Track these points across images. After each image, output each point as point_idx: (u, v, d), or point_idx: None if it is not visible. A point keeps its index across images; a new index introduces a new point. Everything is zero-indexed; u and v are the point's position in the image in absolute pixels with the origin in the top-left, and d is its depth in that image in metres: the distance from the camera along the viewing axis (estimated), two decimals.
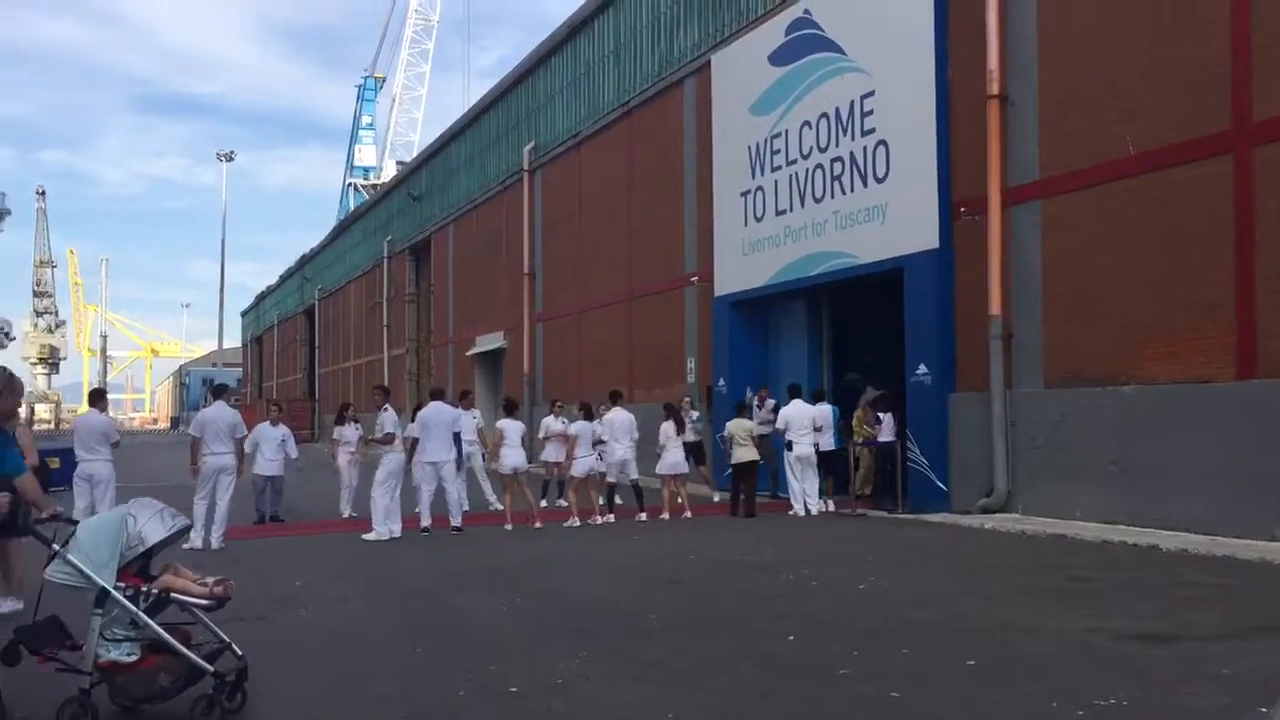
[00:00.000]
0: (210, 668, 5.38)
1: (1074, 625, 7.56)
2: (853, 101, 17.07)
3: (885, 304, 16.99)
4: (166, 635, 5.41)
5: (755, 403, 17.90)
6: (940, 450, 15.27)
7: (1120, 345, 12.92)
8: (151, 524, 5.54)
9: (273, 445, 16.13)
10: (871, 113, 16.71)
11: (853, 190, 17.10)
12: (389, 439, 14.33)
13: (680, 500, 15.88)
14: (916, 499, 15.46)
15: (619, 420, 15.75)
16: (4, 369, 6.29)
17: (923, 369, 15.58)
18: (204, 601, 5.61)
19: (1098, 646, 6.96)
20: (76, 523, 5.72)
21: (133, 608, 5.37)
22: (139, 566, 5.65)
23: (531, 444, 16.93)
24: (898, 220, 16.10)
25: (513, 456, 14.98)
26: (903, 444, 15.83)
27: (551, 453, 16.58)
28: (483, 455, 17.64)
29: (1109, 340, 13.06)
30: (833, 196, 17.58)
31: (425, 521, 14.41)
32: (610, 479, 15.84)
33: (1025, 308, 14.26)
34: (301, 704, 5.98)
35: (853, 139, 17.09)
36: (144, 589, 5.46)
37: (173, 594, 5.51)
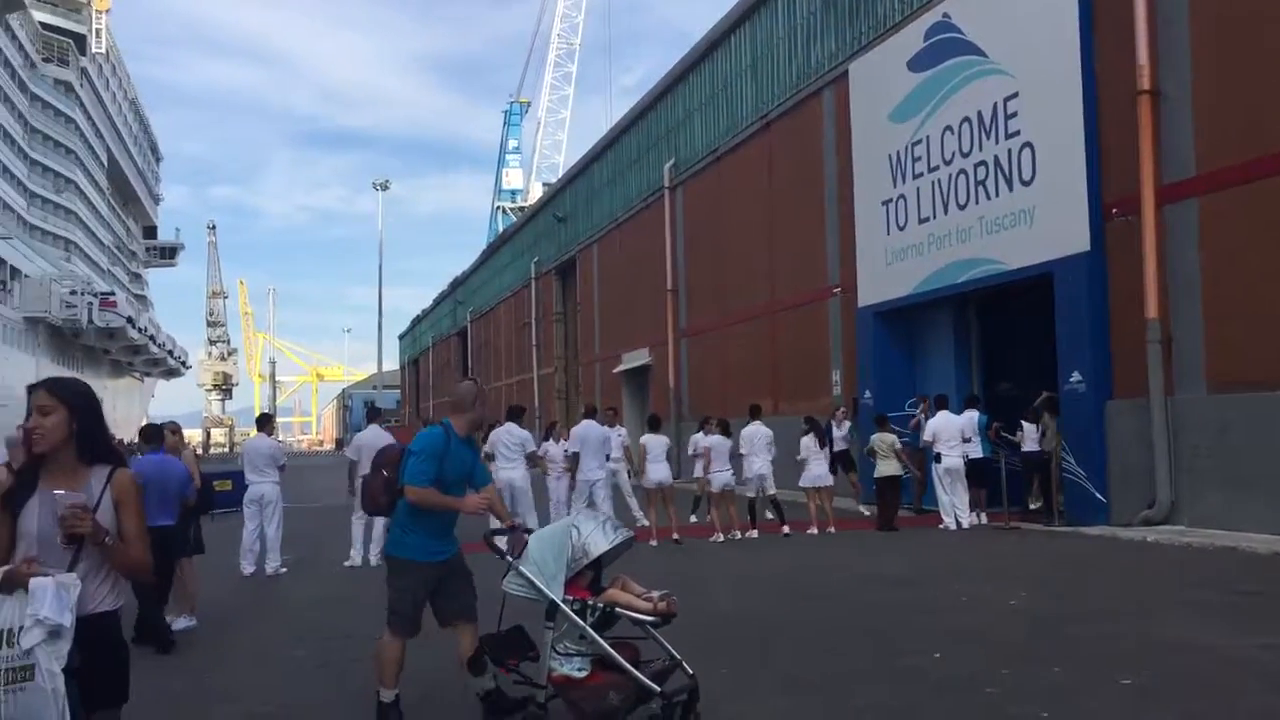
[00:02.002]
0: (657, 688, 5.13)
1: (1241, 642, 7.22)
2: (995, 104, 16.68)
3: (1035, 310, 16.49)
4: (612, 651, 5.23)
5: (834, 421, 17.79)
6: (1098, 460, 14.71)
7: None
8: (594, 536, 5.41)
9: None
10: (1015, 114, 16.29)
11: (998, 195, 16.69)
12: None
13: (826, 514, 15.70)
14: (1073, 511, 14.92)
15: (757, 434, 15.70)
16: (473, 380, 6.29)
17: (1077, 376, 15.06)
18: (648, 617, 5.35)
19: (1266, 664, 6.63)
20: (530, 531, 5.74)
21: (580, 622, 5.24)
22: (590, 579, 5.56)
23: (680, 460, 17.00)
24: (1046, 224, 15.63)
25: (657, 471, 15.09)
26: (1058, 454, 15.32)
27: (699, 469, 16.63)
28: (629, 472, 17.79)
29: (1278, 342, 12.39)
30: (977, 202, 17.19)
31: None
32: (749, 494, 15.79)
33: (1184, 310, 13.66)
34: (462, 710, 6.15)
35: (996, 142, 16.69)
36: (590, 602, 5.33)
37: (617, 608, 5.32)
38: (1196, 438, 13.44)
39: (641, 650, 5.39)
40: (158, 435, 9.61)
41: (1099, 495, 14.59)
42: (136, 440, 10.70)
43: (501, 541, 5.61)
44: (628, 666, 5.17)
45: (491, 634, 5.60)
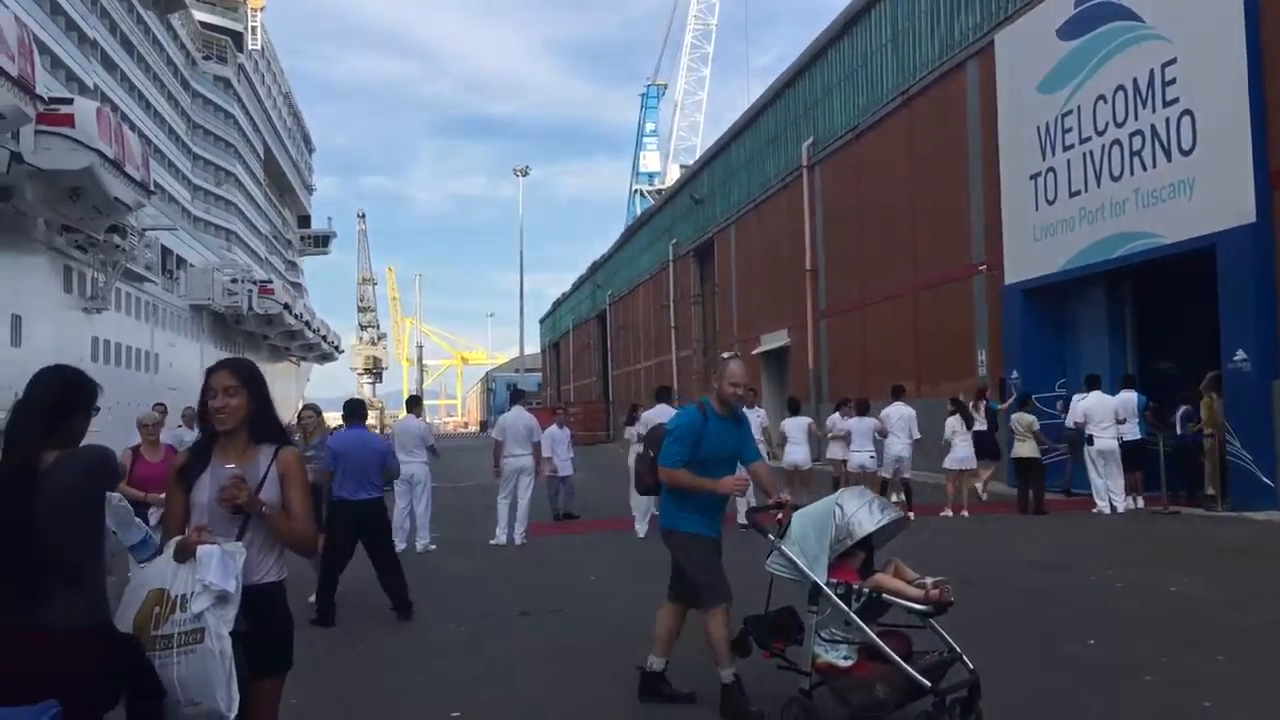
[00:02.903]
0: (927, 684, 4.70)
1: None
2: (1152, 71, 15.94)
3: (1195, 286, 15.74)
4: (877, 640, 4.86)
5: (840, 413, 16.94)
6: (1264, 441, 13.98)
7: None
8: (860, 514, 5.05)
9: (564, 446, 16.90)
10: (1174, 81, 15.54)
11: (1155, 165, 15.96)
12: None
13: (961, 498, 15.31)
14: (1238, 495, 14.23)
15: (896, 415, 15.42)
16: (727, 355, 6.15)
17: (1241, 354, 14.34)
18: (918, 606, 4.91)
19: None
20: (798, 507, 5.45)
21: (844, 607, 4.93)
22: (860, 561, 5.22)
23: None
24: (1207, 195, 14.89)
25: (794, 453, 14.99)
26: (1221, 435, 14.62)
27: (838, 450, 16.45)
28: (768, 454, 17.70)
29: None
30: (1132, 173, 16.48)
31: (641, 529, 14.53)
32: (884, 474, 15.51)
33: None
34: (598, 692, 6.26)
35: (1153, 111, 15.96)
36: (856, 587, 4.99)
37: (884, 594, 4.96)
38: None
39: (918, 641, 5.05)
40: (359, 412, 9.97)
41: (1265, 478, 13.88)
42: (296, 421, 11.02)
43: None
44: (895, 658, 4.78)
45: (758, 615, 5.38)
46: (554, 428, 17.16)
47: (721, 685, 5.61)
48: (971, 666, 4.84)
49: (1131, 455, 15.15)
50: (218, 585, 3.42)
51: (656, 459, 5.80)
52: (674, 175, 79.58)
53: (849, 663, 4.95)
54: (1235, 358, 14.42)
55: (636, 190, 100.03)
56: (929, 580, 4.99)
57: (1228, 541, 11.81)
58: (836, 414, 16.64)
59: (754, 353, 35.48)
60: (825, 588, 4.98)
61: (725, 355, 6.02)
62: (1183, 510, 14.54)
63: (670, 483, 5.65)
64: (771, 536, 5.26)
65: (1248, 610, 7.85)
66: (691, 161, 62.41)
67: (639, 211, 78.29)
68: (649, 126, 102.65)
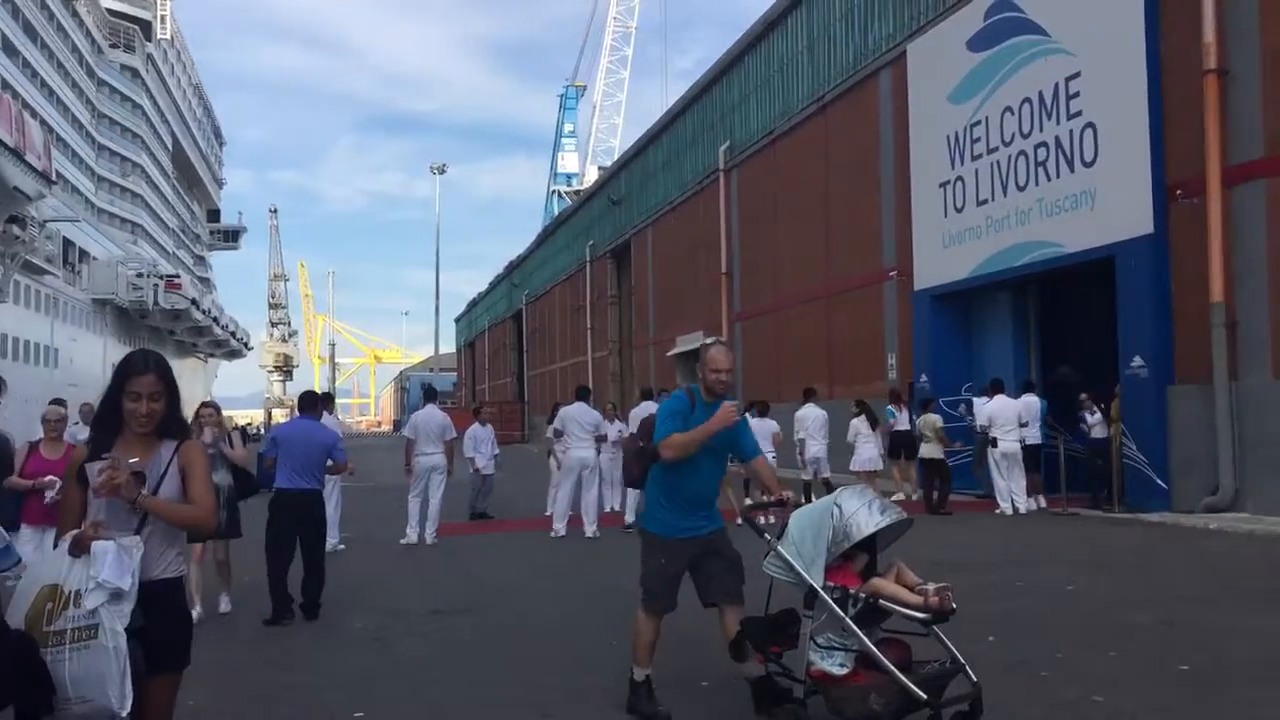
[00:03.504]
0: (923, 696, 4.45)
1: None
2: (1057, 84, 16.40)
3: (1096, 294, 16.24)
4: (872, 648, 4.61)
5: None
6: (1159, 446, 14.48)
7: None
8: (859, 515, 4.79)
9: (486, 444, 16.83)
10: (1077, 95, 16.01)
11: (1059, 176, 16.43)
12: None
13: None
14: (1134, 497, 14.71)
15: (810, 417, 15.64)
16: (708, 341, 5.79)
17: (1138, 361, 14.82)
18: (917, 614, 4.66)
19: None
20: (799, 505, 5.30)
21: (840, 612, 4.70)
22: (863, 565, 4.98)
23: None
24: (1108, 206, 15.37)
25: None
26: (1118, 440, 15.10)
27: None
28: None
29: None
30: (1037, 184, 16.94)
31: (630, 517, 14.71)
32: (804, 476, 15.74)
33: (1250, 294, 13.38)
34: (504, 691, 6.24)
35: (1058, 123, 16.42)
36: (853, 591, 4.76)
37: (881, 599, 4.73)
38: (1262, 424, 13.18)
39: (924, 649, 4.82)
40: (313, 403, 9.88)
41: (1160, 481, 14.37)
42: (193, 418, 10.74)
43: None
44: (890, 668, 4.53)
45: (756, 617, 5.20)
46: (476, 426, 17.08)
47: (631, 681, 5.63)
48: (975, 679, 4.64)
49: (1032, 458, 15.58)
50: (112, 583, 3.36)
51: (644, 448, 5.63)
52: (592, 176, 79.57)
53: (844, 671, 4.74)
54: (1132, 364, 14.89)
55: (555, 191, 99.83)
56: (930, 586, 4.74)
57: (1123, 542, 12.19)
58: (748, 415, 16.78)
59: (669, 354, 35.66)
60: (821, 591, 4.77)
61: (708, 341, 5.82)
62: (1081, 512, 14.98)
63: (669, 448, 5.39)
64: (768, 536, 5.08)
65: (1140, 608, 8.11)
66: (610, 163, 62.49)
67: (557, 212, 78.10)
68: (568, 127, 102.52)
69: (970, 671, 4.64)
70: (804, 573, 4.82)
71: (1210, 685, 5.89)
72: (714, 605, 5.59)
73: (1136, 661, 6.44)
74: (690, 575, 5.58)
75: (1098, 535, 12.87)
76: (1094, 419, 15.38)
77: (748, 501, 5.23)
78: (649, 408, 14.79)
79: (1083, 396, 15.60)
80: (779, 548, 4.97)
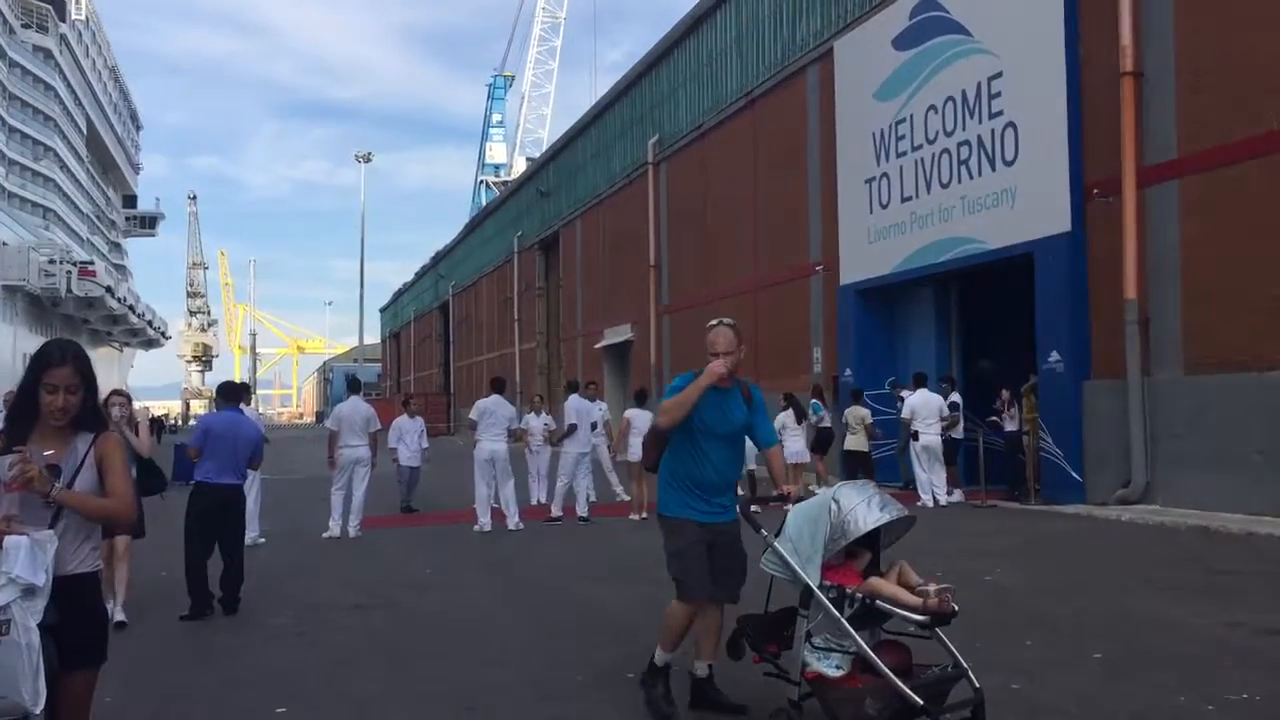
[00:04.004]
0: (919, 702, 4.25)
1: (1211, 619, 7.31)
2: (979, 84, 16.69)
3: (1016, 290, 16.57)
4: (867, 650, 4.42)
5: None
6: (1074, 439, 14.82)
7: (1266, 328, 12.35)
8: (858, 511, 4.58)
9: (413, 437, 16.65)
10: (999, 94, 16.30)
11: (980, 174, 16.72)
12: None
13: (798, 490, 15.72)
14: (1050, 490, 15.05)
15: None
16: (715, 323, 5.51)
17: (1055, 356, 15.16)
18: (915, 616, 4.41)
19: (1235, 641, 6.72)
20: (801, 499, 5.04)
21: (835, 612, 4.50)
22: (866, 563, 4.80)
23: None
24: (1027, 204, 15.68)
25: (638, 445, 15.12)
26: (1035, 433, 15.43)
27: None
28: (608, 446, 17.81)
29: (1254, 324, 12.49)
30: (960, 181, 17.23)
31: (557, 511, 14.69)
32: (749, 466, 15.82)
33: (1163, 292, 13.75)
34: (428, 685, 6.19)
35: (980, 122, 16.71)
36: (849, 591, 4.55)
37: (878, 600, 4.48)
38: (1172, 418, 13.56)
39: (928, 653, 4.65)
40: (237, 394, 9.64)
41: (1075, 474, 14.71)
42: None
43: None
44: (886, 671, 4.32)
45: (755, 615, 5.02)
46: (404, 418, 16.91)
47: (650, 664, 5.48)
48: (977, 685, 4.45)
49: (950, 451, 15.87)
50: (25, 579, 3.28)
51: (659, 434, 5.49)
52: (520, 167, 79.22)
53: (840, 673, 4.55)
54: (1050, 359, 15.23)
55: (482, 181, 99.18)
56: (931, 587, 4.48)
57: (1040, 533, 12.46)
58: None
59: (596, 346, 35.67)
60: (817, 590, 4.57)
61: (712, 322, 5.57)
62: (999, 504, 15.28)
63: (663, 416, 5.25)
64: (764, 532, 4.90)
65: (1055, 597, 8.31)
66: (538, 154, 62.19)
67: (484, 202, 77.59)
68: (496, 117, 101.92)
69: (973, 677, 4.46)
70: (799, 570, 4.64)
71: (1125, 672, 6.04)
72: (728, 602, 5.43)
73: (1053, 650, 6.59)
74: None
75: (1015, 527, 13.14)
76: (1006, 413, 15.73)
77: (742, 494, 4.97)
78: (499, 402, 14.45)
79: (1003, 394, 15.92)
80: (776, 544, 4.79)
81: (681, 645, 5.48)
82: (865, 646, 4.44)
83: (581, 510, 14.73)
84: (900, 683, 4.29)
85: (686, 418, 5.26)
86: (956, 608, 4.46)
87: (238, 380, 13.26)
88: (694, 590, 5.27)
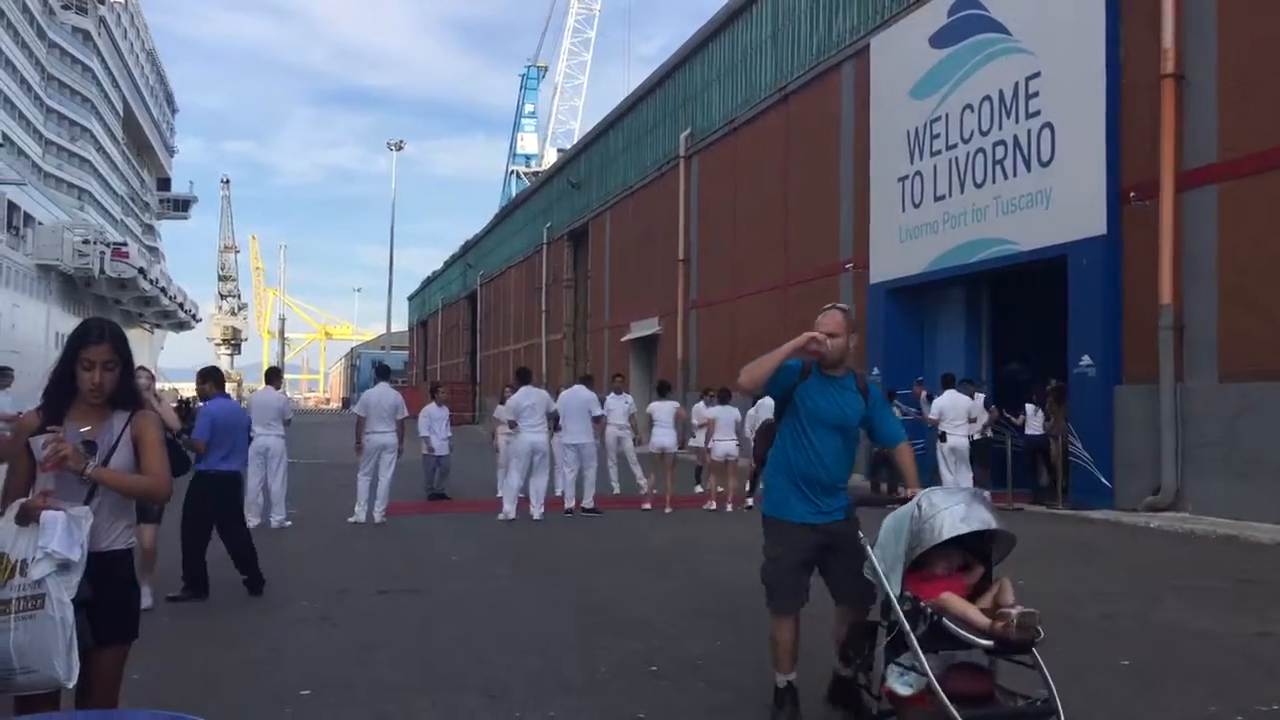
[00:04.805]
0: None
1: (1241, 629, 7.24)
2: (1017, 83, 16.54)
3: (1049, 292, 16.43)
4: (927, 670, 4.06)
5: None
6: (1104, 444, 14.71)
7: None
8: (941, 516, 4.23)
9: (441, 425, 16.72)
10: (1037, 95, 16.15)
11: (1015, 175, 16.58)
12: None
13: None
14: (1078, 494, 14.94)
15: (764, 404, 15.66)
16: (828, 308, 5.10)
17: (1087, 360, 15.03)
18: (981, 641, 4.05)
19: (1264, 651, 6.65)
20: (895, 503, 4.79)
21: (905, 626, 4.18)
22: (977, 578, 4.38)
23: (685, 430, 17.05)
24: (1063, 206, 15.54)
25: (661, 436, 15.10)
26: (1065, 437, 15.31)
27: (701, 439, 16.67)
28: (635, 439, 17.82)
29: None
30: (994, 181, 17.09)
31: (569, 503, 14.69)
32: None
33: (1198, 297, 13.60)
34: (451, 672, 6.20)
35: (1016, 122, 16.56)
36: (923, 605, 4.20)
37: (945, 617, 4.11)
38: (1204, 425, 13.42)
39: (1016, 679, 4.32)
40: (221, 378, 9.61)
41: (1104, 479, 14.60)
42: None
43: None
44: (943, 699, 3.94)
45: (869, 623, 4.82)
46: (432, 406, 16.96)
47: (774, 688, 5.07)
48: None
49: (979, 453, 15.75)
50: (60, 553, 3.32)
51: (773, 426, 5.27)
52: (551, 158, 79.28)
53: (910, 691, 4.20)
54: (1081, 363, 15.10)
55: (513, 171, 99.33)
56: (1014, 611, 4.02)
57: (1067, 538, 12.36)
58: (701, 403, 16.83)
59: (623, 339, 35.66)
60: (895, 601, 4.26)
61: (827, 306, 5.13)
62: (1026, 508, 15.17)
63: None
64: (861, 535, 4.67)
65: (1082, 603, 8.23)
66: (569, 145, 62.17)
67: (515, 192, 77.69)
68: (528, 108, 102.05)
69: (1062, 714, 4.05)
70: (884, 578, 4.35)
71: (1153, 680, 5.99)
72: (841, 606, 5.11)
73: (1080, 657, 6.53)
74: (819, 572, 5.01)
75: (1041, 531, 13.03)
76: (1029, 415, 15.60)
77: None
78: (530, 393, 14.42)
79: (1026, 407, 15.81)
80: (869, 550, 4.53)
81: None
82: (924, 662, 4.08)
83: (587, 500, 14.74)
84: (954, 710, 3.90)
85: (792, 404, 4.96)
86: (1040, 634, 4.06)
87: (267, 365, 13.35)
88: (781, 602, 4.92)
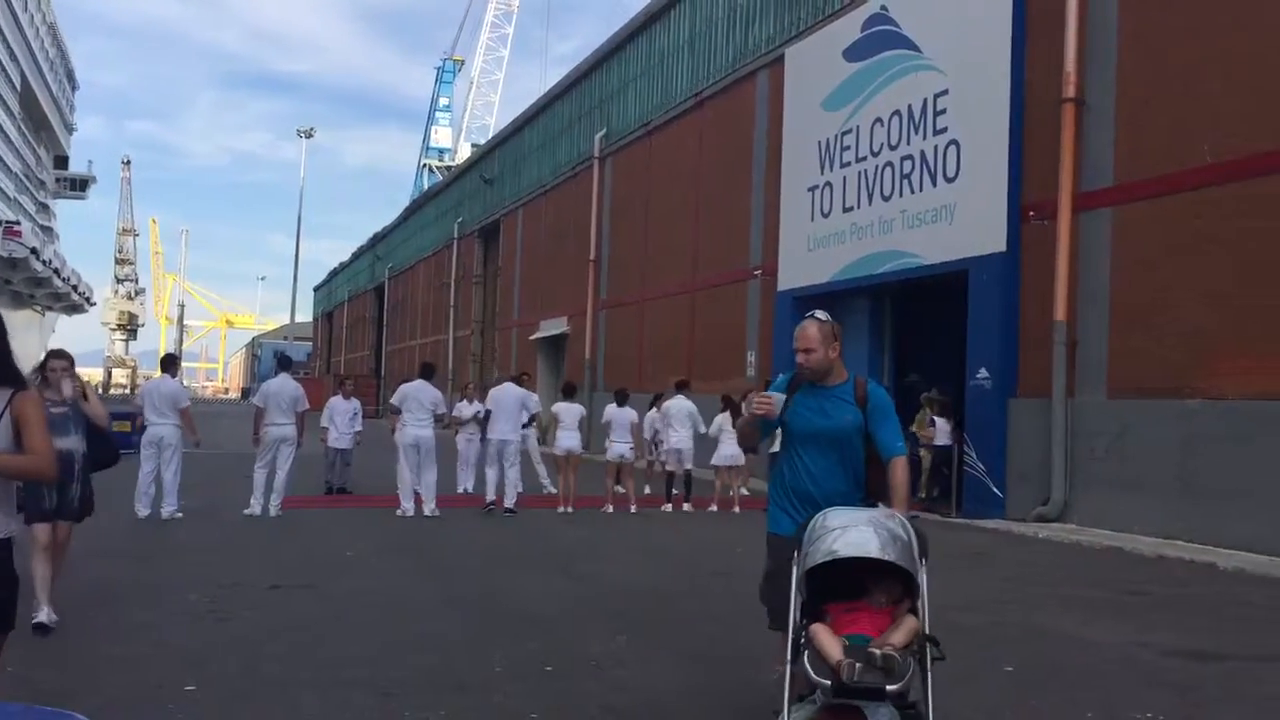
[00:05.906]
0: None
1: (1121, 638, 7.47)
2: (925, 100, 16.88)
3: (949, 306, 16.80)
4: (785, 705, 3.87)
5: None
6: (997, 456, 15.08)
7: (1189, 358, 12.65)
8: (824, 538, 3.98)
9: (344, 419, 16.44)
10: (944, 112, 16.51)
11: (921, 189, 16.92)
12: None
13: (732, 493, 15.79)
14: (971, 504, 15.29)
15: (676, 408, 15.73)
16: (807, 317, 4.90)
17: (983, 373, 15.40)
18: (823, 680, 3.75)
19: (1143, 660, 6.87)
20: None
21: (787, 660, 4.01)
22: (906, 609, 4.07)
23: (592, 430, 17.02)
24: (965, 221, 15.90)
25: (566, 439, 15.09)
26: (960, 448, 15.67)
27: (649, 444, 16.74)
28: (538, 438, 17.75)
29: (1177, 352, 12.79)
30: (901, 195, 17.42)
31: (490, 498, 14.57)
32: (669, 467, 15.85)
33: (1091, 315, 14.02)
34: (342, 669, 6.10)
35: (924, 138, 16.91)
36: (804, 635, 3.98)
37: (813, 642, 3.90)
38: (1093, 439, 13.84)
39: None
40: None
41: (996, 490, 14.96)
42: (38, 369, 9.94)
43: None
44: None
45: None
46: (337, 398, 16.70)
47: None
48: None
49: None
50: None
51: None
52: (465, 153, 78.59)
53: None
54: (978, 375, 15.47)
55: (425, 164, 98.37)
56: (879, 651, 3.70)
57: (959, 547, 12.61)
58: (612, 404, 16.81)
59: (531, 338, 35.54)
60: (792, 619, 4.03)
61: (806, 316, 4.98)
62: (921, 516, 15.46)
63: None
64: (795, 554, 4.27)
65: (970, 610, 8.40)
66: (484, 141, 61.76)
67: (427, 186, 76.86)
68: (443, 101, 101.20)
69: None
70: (792, 599, 4.05)
71: (1035, 686, 6.16)
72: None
73: (966, 662, 6.66)
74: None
75: (934, 540, 13.27)
76: (939, 426, 15.96)
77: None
78: (422, 387, 14.40)
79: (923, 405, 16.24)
80: (795, 567, 4.18)
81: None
82: (786, 695, 3.87)
83: (509, 501, 14.63)
84: None
85: (784, 422, 4.78)
86: (902, 679, 3.67)
87: (164, 352, 12.99)
88: (776, 620, 4.55)
